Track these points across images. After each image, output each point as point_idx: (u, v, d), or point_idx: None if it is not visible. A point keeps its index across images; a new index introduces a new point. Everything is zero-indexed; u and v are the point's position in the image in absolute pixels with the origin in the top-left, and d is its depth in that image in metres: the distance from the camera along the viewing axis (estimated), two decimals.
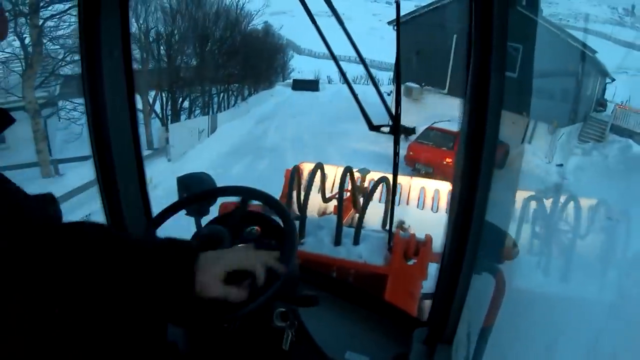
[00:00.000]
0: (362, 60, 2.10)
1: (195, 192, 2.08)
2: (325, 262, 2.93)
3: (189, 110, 22.42)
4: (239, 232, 1.65)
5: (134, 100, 2.06)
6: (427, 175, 14.38)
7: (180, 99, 21.82)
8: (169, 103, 21.08)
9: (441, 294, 1.74)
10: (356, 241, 3.03)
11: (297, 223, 3.15)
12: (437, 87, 21.55)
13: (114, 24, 1.90)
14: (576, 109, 20.45)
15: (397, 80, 2.04)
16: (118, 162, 2.06)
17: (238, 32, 25.51)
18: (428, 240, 2.99)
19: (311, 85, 32.25)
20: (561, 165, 18.04)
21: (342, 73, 2.24)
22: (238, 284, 1.25)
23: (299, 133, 19.69)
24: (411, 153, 16.30)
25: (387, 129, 2.19)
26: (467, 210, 1.54)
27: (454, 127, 15.22)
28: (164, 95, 20.65)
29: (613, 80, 24.71)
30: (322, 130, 19.60)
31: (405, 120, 21.46)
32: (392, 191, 3.20)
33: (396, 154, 2.50)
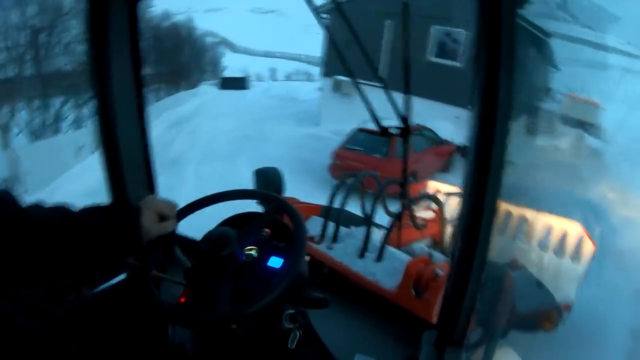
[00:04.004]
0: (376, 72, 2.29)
1: (265, 187, 2.42)
2: (342, 271, 3.13)
3: (75, 121, 21.27)
4: (248, 234, 1.82)
5: (142, 97, 2.31)
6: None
7: (60, 107, 20.53)
8: (37, 114, 19.57)
9: (451, 296, 1.89)
10: (379, 258, 3.18)
11: (335, 228, 3.48)
12: (370, 80, 21.17)
13: (122, 21, 2.11)
14: (526, 101, 20.42)
15: (406, 81, 2.24)
16: (126, 162, 2.27)
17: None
18: (444, 275, 2.90)
19: (239, 83, 32.34)
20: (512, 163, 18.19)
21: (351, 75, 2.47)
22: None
23: (214, 138, 19.37)
24: (337, 162, 14.76)
25: (396, 131, 2.40)
26: (476, 213, 1.71)
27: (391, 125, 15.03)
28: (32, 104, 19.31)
29: (559, 69, 25.43)
30: (241, 134, 19.34)
31: (335, 118, 21.30)
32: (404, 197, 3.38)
33: (405, 156, 2.88)
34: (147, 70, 23.65)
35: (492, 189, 1.69)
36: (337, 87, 22.10)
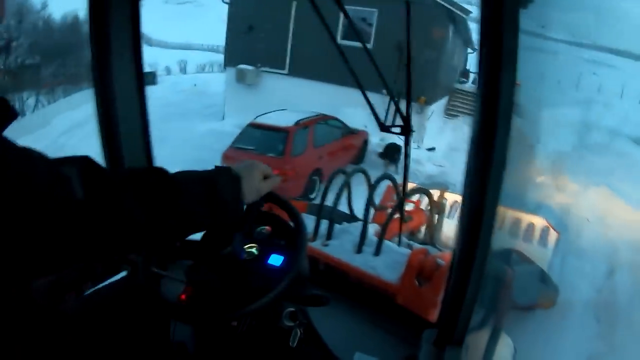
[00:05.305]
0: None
1: None
2: (341, 267, 3.21)
3: None
4: (250, 232, 1.92)
5: (144, 95, 2.43)
6: None
7: None
8: None
9: (451, 295, 2.01)
10: (377, 252, 3.31)
11: (327, 224, 3.60)
12: (276, 68, 21.29)
13: (124, 20, 2.20)
14: (444, 82, 21.25)
15: (408, 77, 2.34)
16: (128, 163, 2.38)
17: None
18: (446, 265, 3.03)
19: (147, 79, 31.66)
20: (433, 149, 18.64)
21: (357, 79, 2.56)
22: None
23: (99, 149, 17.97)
24: (226, 164, 12.87)
25: (397, 130, 2.52)
26: (477, 210, 1.80)
27: (291, 117, 14.17)
28: None
29: (475, 50, 26.25)
30: None
31: (240, 111, 20.72)
32: (401, 197, 3.61)
33: (407, 155, 3.02)
34: (44, 71, 22.84)
35: (494, 188, 1.77)
36: (241, 77, 21.72)
